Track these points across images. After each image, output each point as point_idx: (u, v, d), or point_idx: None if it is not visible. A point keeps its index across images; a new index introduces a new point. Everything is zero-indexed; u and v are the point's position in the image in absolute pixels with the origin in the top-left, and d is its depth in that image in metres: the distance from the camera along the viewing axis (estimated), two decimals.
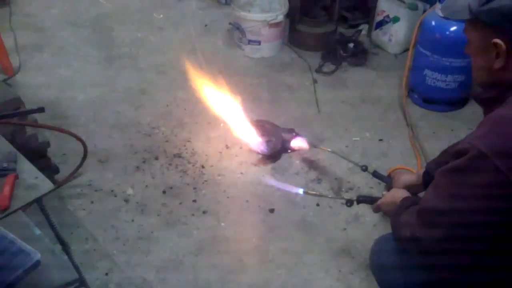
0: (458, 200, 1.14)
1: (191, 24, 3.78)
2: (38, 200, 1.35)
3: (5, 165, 1.39)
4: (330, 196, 2.17)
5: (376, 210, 1.70)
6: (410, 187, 1.75)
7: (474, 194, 1.11)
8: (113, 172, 2.42)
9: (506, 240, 1.14)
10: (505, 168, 1.04)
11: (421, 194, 1.70)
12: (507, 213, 1.09)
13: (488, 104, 1.23)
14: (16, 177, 1.38)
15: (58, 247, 1.63)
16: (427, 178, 1.69)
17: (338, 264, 1.99)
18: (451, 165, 1.15)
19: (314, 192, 2.07)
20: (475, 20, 1.17)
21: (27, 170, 1.42)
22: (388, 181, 2.02)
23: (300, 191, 2.01)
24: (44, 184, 1.36)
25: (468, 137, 1.15)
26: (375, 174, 2.09)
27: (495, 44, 1.12)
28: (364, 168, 2.12)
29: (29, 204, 1.34)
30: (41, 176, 1.39)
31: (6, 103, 2.01)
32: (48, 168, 2.24)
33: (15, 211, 1.29)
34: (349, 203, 1.82)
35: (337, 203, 2.24)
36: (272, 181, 2.31)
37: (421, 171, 1.77)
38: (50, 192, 1.35)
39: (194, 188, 2.33)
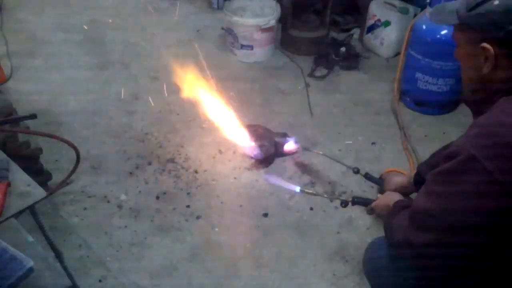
0: (449, 202, 1.14)
1: (184, 29, 3.79)
2: (31, 208, 1.34)
3: None
4: (325, 195, 2.18)
5: (370, 212, 1.71)
6: (401, 188, 1.76)
7: (465, 196, 1.11)
8: (106, 178, 2.41)
9: (498, 242, 1.15)
10: (495, 170, 1.05)
11: (413, 196, 1.72)
12: (498, 214, 1.09)
13: (478, 107, 1.24)
14: (9, 185, 1.37)
15: (51, 254, 1.62)
16: (419, 179, 1.70)
17: (332, 268, 2.00)
18: (442, 167, 1.16)
19: (310, 191, 2.08)
20: (463, 25, 1.18)
21: (20, 177, 1.41)
22: (379, 183, 2.03)
23: (297, 189, 2.02)
24: (37, 192, 1.36)
25: (458, 140, 1.16)
26: (367, 176, 2.11)
27: (484, 48, 1.14)
28: (356, 171, 2.13)
29: (21, 212, 1.33)
30: (33, 183, 1.38)
31: None
32: (41, 175, 2.23)
33: (7, 219, 1.28)
34: (344, 204, 1.84)
35: (331, 207, 2.25)
36: (270, 178, 2.30)
37: (413, 172, 1.78)
38: (42, 199, 1.35)
39: (188, 193, 2.33)
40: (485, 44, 1.13)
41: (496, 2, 1.11)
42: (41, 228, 1.44)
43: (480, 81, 1.21)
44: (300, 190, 2.01)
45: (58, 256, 1.57)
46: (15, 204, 1.32)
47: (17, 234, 1.68)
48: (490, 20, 1.11)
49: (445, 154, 1.17)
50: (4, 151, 1.55)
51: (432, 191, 1.20)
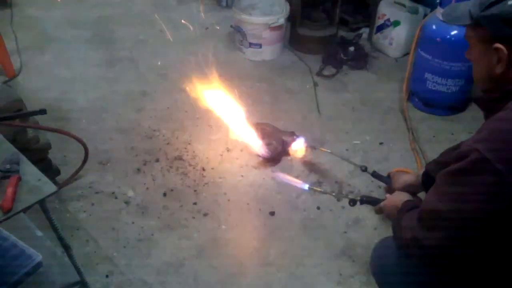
0: (459, 203, 1.14)
1: (192, 27, 3.79)
2: (41, 202, 1.35)
3: (8, 166, 1.40)
4: (334, 193, 2.18)
5: (378, 211, 1.70)
6: (409, 187, 1.75)
7: (474, 197, 1.11)
8: (113, 174, 2.42)
9: (507, 243, 1.15)
10: (505, 171, 1.04)
11: (421, 195, 1.71)
12: (508, 215, 1.09)
13: (489, 108, 1.23)
14: (19, 179, 1.38)
15: (59, 249, 1.63)
16: (427, 178, 1.69)
17: (339, 268, 2.00)
18: (452, 168, 1.16)
19: (319, 189, 2.08)
20: (476, 26, 1.18)
21: (30, 172, 1.42)
22: (387, 182, 2.01)
23: (306, 186, 2.02)
24: (47, 186, 1.37)
25: (469, 140, 1.16)
26: (374, 175, 2.09)
27: (496, 49, 1.13)
28: (364, 169, 2.11)
29: (31, 206, 1.34)
30: (44, 178, 1.39)
31: (8, 105, 2.01)
32: (49, 170, 2.25)
33: (18, 213, 1.29)
34: (352, 202, 1.83)
35: (338, 206, 2.25)
36: (279, 175, 2.30)
37: (421, 171, 1.77)
38: (53, 194, 1.35)
39: (195, 191, 2.33)
40: (498, 45, 1.13)
41: (510, 2, 1.10)
42: (50, 222, 1.44)
43: (492, 81, 1.20)
44: (309, 188, 2.01)
45: (67, 251, 1.58)
46: (26, 198, 1.33)
47: (26, 228, 1.69)
48: (503, 21, 1.10)
49: (455, 154, 1.16)
50: (14, 146, 1.56)
51: (441, 191, 1.20)
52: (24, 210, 1.32)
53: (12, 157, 1.45)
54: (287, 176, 2.22)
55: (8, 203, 1.28)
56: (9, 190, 1.31)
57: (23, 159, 1.46)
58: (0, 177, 1.38)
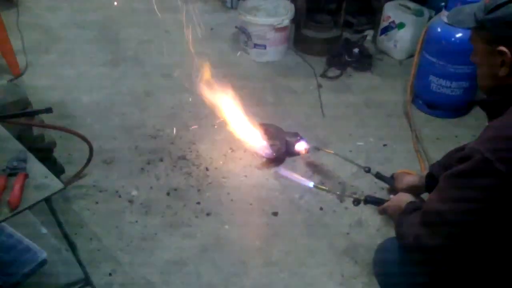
0: (461, 205, 1.15)
1: (197, 28, 3.80)
2: (47, 199, 1.36)
3: (15, 164, 1.41)
4: (338, 193, 2.18)
5: (382, 212, 1.71)
6: (412, 188, 1.75)
7: (477, 199, 1.12)
8: (118, 173, 2.44)
9: (509, 244, 1.15)
10: (508, 172, 1.05)
11: (424, 196, 1.71)
12: (510, 217, 1.09)
13: (493, 110, 1.24)
14: (26, 176, 1.39)
15: (63, 247, 1.64)
16: (430, 180, 1.70)
17: (341, 269, 2.00)
18: (455, 169, 1.17)
19: (323, 187, 2.09)
20: (481, 28, 1.19)
21: (37, 169, 1.43)
22: (390, 183, 2.02)
23: (311, 184, 2.03)
24: (54, 184, 1.37)
25: (472, 142, 1.16)
26: (378, 175, 2.09)
27: (501, 52, 1.14)
28: (367, 170, 2.12)
29: (38, 203, 1.35)
30: (50, 175, 1.40)
31: (14, 103, 2.02)
32: (54, 168, 2.25)
33: (25, 210, 1.30)
34: (357, 202, 1.84)
35: (341, 207, 2.26)
36: (284, 172, 2.31)
37: (424, 172, 1.78)
38: (60, 191, 1.36)
39: (198, 190, 2.34)
40: (502, 48, 1.13)
41: None
42: (56, 220, 1.45)
43: (496, 84, 1.21)
44: (314, 186, 2.02)
45: (72, 248, 1.59)
46: (32, 196, 1.34)
47: (31, 226, 1.70)
48: (508, 23, 1.11)
49: (458, 156, 1.17)
50: None
51: (444, 193, 1.21)
52: (31, 207, 1.33)
53: (19, 154, 1.46)
54: (292, 174, 2.23)
55: (16, 200, 1.29)
56: (16, 187, 1.32)
57: (30, 156, 1.47)
58: (7, 174, 1.39)
